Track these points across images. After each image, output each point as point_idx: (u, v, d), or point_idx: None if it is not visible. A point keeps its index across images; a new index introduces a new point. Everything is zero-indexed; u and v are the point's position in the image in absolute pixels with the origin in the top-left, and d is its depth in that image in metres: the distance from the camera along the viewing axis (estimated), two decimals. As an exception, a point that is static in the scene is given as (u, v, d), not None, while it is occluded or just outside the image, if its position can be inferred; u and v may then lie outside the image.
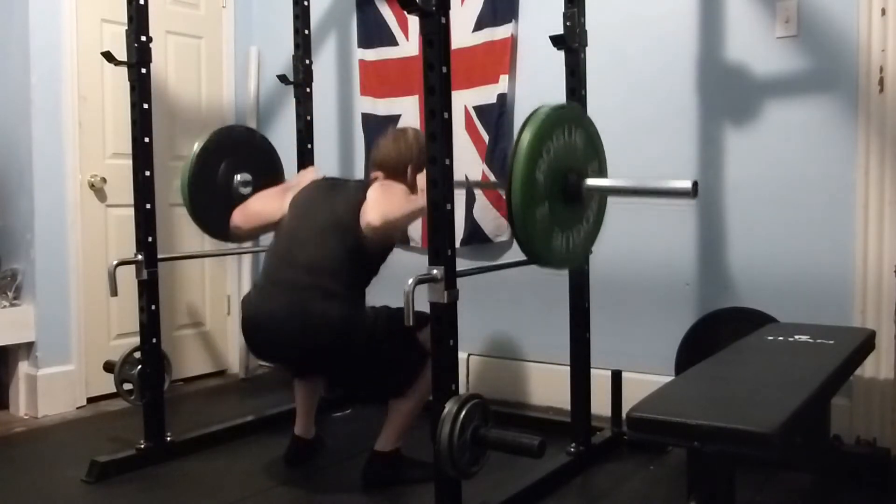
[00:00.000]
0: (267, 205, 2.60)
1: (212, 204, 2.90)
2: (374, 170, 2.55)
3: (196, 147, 2.89)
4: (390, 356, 2.35)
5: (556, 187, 2.04)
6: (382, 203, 2.31)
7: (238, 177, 2.97)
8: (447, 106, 1.89)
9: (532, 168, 1.93)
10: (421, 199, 2.27)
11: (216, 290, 3.98)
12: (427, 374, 2.29)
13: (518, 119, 3.18)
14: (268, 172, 3.06)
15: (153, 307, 2.64)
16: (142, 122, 2.60)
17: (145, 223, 2.63)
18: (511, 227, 2.05)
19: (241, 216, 2.61)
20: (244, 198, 2.81)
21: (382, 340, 2.33)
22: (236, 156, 3.00)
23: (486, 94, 3.21)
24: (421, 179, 2.40)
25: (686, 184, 2.01)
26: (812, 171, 2.56)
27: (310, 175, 2.74)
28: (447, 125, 1.89)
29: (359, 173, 3.62)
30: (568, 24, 2.41)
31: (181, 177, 2.89)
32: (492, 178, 3.22)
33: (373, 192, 2.37)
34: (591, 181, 2.15)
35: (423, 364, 2.31)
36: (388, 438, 2.38)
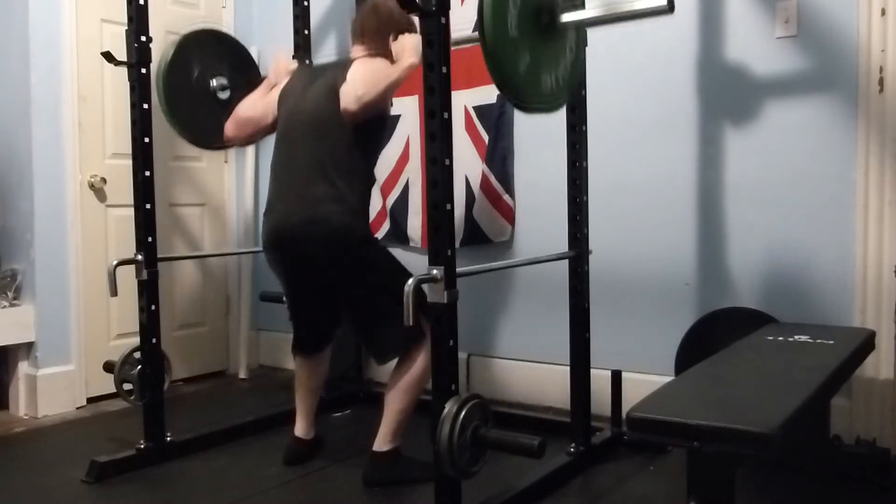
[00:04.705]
0: (255, 108, 2.60)
1: (194, 114, 2.88)
2: (356, 41, 2.50)
3: (162, 61, 2.81)
4: (391, 301, 2.25)
5: (531, 30, 2.01)
6: (357, 85, 2.30)
7: (214, 81, 2.94)
8: (447, 106, 1.89)
9: (504, 22, 1.92)
10: (398, 68, 2.30)
11: (216, 290, 3.99)
12: (422, 366, 2.31)
13: (518, 119, 3.19)
14: (243, 71, 3.04)
15: (153, 307, 2.64)
16: (142, 122, 2.60)
17: (145, 223, 2.63)
18: (499, 86, 2.00)
19: (233, 126, 2.62)
20: (225, 102, 2.82)
21: (385, 273, 2.34)
22: (208, 60, 2.95)
23: (486, 94, 3.21)
24: (396, 45, 2.39)
25: (660, 0, 1.98)
26: (812, 171, 2.56)
27: (283, 65, 2.70)
28: (447, 125, 1.89)
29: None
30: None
31: (157, 91, 2.78)
32: (492, 178, 3.22)
33: (350, 74, 2.36)
34: (566, 16, 2.12)
35: (420, 343, 2.31)
36: (385, 438, 2.37)
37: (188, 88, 2.88)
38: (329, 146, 2.35)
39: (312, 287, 2.49)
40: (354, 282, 2.37)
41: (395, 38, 2.41)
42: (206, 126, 2.85)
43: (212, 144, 2.96)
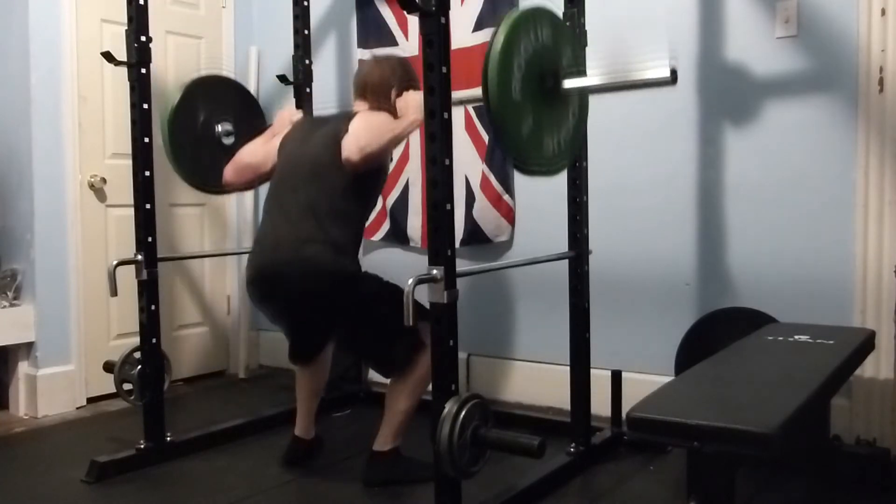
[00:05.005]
0: (256, 155, 2.61)
1: (197, 158, 2.88)
2: (357, 96, 2.52)
3: (168, 105, 2.82)
4: (386, 322, 2.31)
5: (535, 94, 2.02)
6: (360, 136, 2.30)
7: (219, 127, 2.95)
8: (447, 106, 1.89)
9: (508, 85, 1.93)
10: (401, 123, 2.32)
11: (216, 290, 3.99)
12: (424, 369, 2.29)
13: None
14: (248, 115, 3.04)
15: (153, 307, 2.64)
16: (142, 123, 2.60)
17: (145, 223, 2.63)
18: (505, 152, 2.00)
19: (232, 171, 2.63)
20: (229, 148, 2.83)
21: (376, 300, 2.33)
22: (214, 106, 2.95)
23: (486, 94, 3.20)
24: (401, 101, 2.41)
25: (664, 71, 1.94)
26: (812, 171, 2.56)
27: (287, 115, 2.73)
28: (447, 125, 1.89)
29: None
30: (568, 24, 2.41)
31: (161, 135, 2.79)
32: (492, 178, 3.22)
33: (353, 125, 2.36)
34: (569, 82, 2.11)
35: (420, 351, 2.30)
36: (386, 438, 2.37)
37: (193, 133, 2.88)
38: (324, 191, 2.34)
39: (301, 315, 2.48)
40: (349, 316, 2.36)
41: (399, 95, 2.44)
42: (208, 170, 2.83)
43: (211, 188, 2.96)
